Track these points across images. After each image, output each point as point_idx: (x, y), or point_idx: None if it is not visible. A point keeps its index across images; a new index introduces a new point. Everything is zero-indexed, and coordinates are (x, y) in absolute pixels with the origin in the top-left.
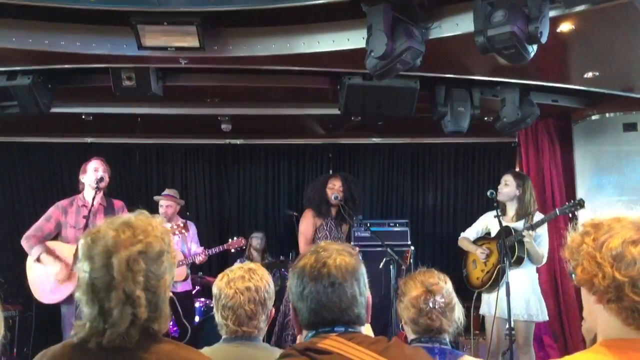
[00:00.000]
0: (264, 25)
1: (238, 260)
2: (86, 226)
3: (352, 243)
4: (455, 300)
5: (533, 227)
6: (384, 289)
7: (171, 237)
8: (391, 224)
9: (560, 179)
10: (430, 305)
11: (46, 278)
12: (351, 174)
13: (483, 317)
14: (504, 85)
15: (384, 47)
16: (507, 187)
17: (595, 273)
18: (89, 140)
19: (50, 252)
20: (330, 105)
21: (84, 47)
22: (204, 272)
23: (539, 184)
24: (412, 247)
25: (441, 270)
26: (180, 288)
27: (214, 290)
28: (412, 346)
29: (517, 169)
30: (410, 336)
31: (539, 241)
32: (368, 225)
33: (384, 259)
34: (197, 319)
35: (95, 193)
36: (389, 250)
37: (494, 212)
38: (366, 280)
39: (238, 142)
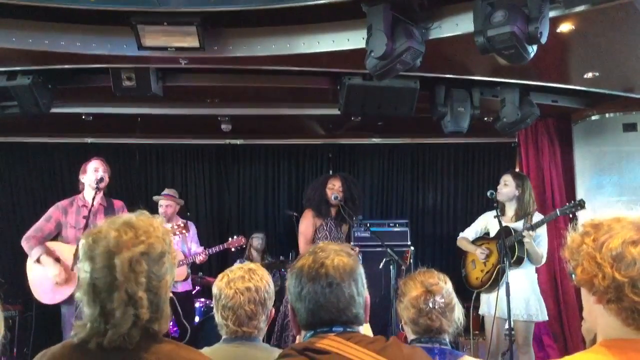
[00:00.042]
0: (264, 26)
1: (238, 261)
2: (86, 226)
3: (352, 243)
4: (455, 300)
5: (533, 228)
6: (383, 289)
7: (171, 237)
8: (391, 224)
9: (560, 179)
10: (430, 305)
11: (46, 278)
12: (351, 174)
13: (482, 317)
14: (503, 86)
15: (384, 47)
16: (507, 187)
17: (595, 273)
18: (89, 140)
19: (51, 253)
20: (330, 105)
21: (84, 47)
22: (204, 272)
23: (538, 184)
24: (412, 248)
25: (441, 270)
26: (180, 288)
27: (214, 290)
28: (410, 345)
29: (517, 169)
30: (410, 336)
31: (538, 241)
32: (368, 225)
33: (384, 259)
34: (197, 319)
35: (95, 193)
36: (388, 250)
37: (492, 212)
38: (364, 281)
39: (238, 142)
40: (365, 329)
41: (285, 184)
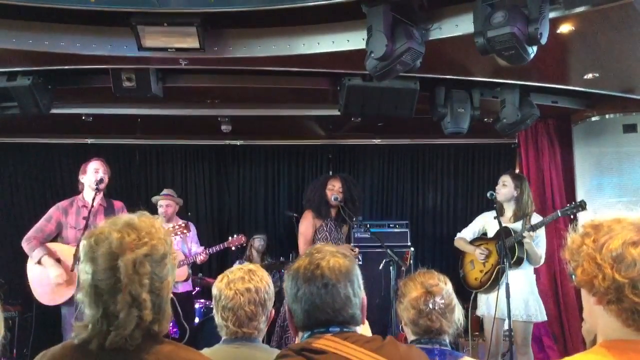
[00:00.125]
0: (264, 27)
1: (237, 262)
2: (86, 227)
3: (352, 244)
4: (455, 301)
5: (534, 228)
6: (383, 290)
7: (172, 238)
8: (391, 225)
9: (560, 180)
10: (430, 306)
11: (47, 279)
12: (351, 175)
13: (482, 318)
14: (503, 87)
15: (384, 48)
16: (505, 187)
17: (595, 274)
18: (89, 141)
19: (52, 254)
20: (330, 106)
21: (84, 48)
22: (204, 273)
23: (539, 185)
24: (412, 248)
25: (441, 271)
26: (181, 288)
27: (214, 291)
28: (407, 344)
29: (517, 170)
30: (410, 337)
31: (537, 242)
32: (368, 226)
33: (384, 260)
34: (196, 320)
35: (95, 194)
36: (388, 251)
37: (490, 213)
38: (361, 282)
39: (238, 142)
40: (365, 329)
41: (285, 185)
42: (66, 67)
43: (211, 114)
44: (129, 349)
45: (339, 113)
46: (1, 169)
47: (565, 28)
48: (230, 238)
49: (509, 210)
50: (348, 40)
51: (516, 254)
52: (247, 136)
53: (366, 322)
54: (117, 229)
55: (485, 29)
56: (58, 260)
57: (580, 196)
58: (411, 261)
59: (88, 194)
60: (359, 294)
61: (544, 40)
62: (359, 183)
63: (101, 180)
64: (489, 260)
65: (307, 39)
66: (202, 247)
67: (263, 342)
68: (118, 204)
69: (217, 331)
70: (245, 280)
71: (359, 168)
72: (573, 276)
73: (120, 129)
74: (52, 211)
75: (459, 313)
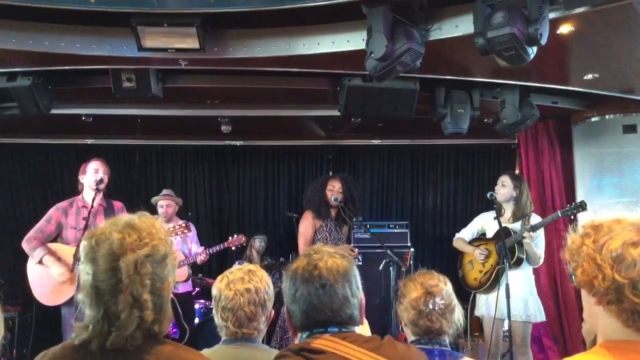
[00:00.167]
0: (264, 27)
1: (237, 262)
2: (86, 227)
3: (352, 245)
4: (455, 301)
5: (534, 229)
6: (383, 291)
7: (172, 238)
8: (391, 226)
9: (560, 181)
10: (430, 307)
11: (47, 280)
12: (351, 176)
13: (482, 318)
14: (503, 87)
15: (384, 48)
16: (504, 188)
17: (595, 275)
18: (89, 141)
19: (53, 253)
20: (330, 106)
21: (84, 49)
22: (204, 273)
23: (539, 186)
24: (412, 249)
25: (441, 271)
26: (181, 289)
27: (214, 292)
28: (405, 344)
29: (517, 171)
30: (410, 338)
31: (536, 242)
32: (368, 226)
33: (384, 261)
34: (196, 320)
35: (95, 194)
36: (388, 251)
37: (488, 213)
38: (359, 282)
39: (238, 143)
40: (364, 329)
41: (285, 185)
42: (66, 67)
43: (211, 114)
44: (129, 350)
45: (339, 113)
46: (1, 169)
47: (565, 28)
48: (230, 238)
49: (508, 210)
50: (348, 41)
51: (516, 255)
52: (247, 136)
53: (366, 322)
54: (118, 229)
55: (485, 30)
56: (60, 260)
57: (580, 197)
58: (411, 262)
59: (88, 194)
60: (357, 295)
61: (543, 41)
62: (358, 183)
63: (101, 181)
64: (488, 260)
65: (307, 39)
66: (203, 247)
67: (263, 342)
68: (118, 204)
69: (217, 332)
70: (245, 280)
71: (359, 168)
72: (573, 277)
73: (120, 130)
74: (51, 212)
75: (459, 313)
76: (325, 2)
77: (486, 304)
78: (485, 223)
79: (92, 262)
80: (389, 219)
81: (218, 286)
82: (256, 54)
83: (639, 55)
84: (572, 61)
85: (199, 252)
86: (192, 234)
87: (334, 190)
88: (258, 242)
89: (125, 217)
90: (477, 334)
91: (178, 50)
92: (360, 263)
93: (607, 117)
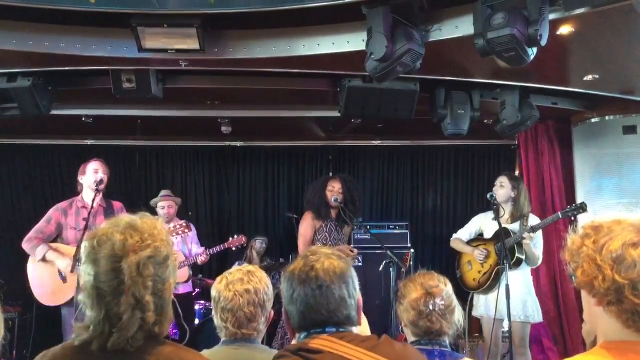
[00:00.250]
0: (264, 28)
1: (237, 263)
2: (86, 227)
3: (351, 245)
4: (455, 302)
5: (534, 229)
6: (383, 292)
7: (173, 239)
8: (391, 226)
9: (560, 182)
10: (430, 307)
11: (48, 280)
12: (351, 176)
13: (480, 319)
14: (503, 88)
15: (384, 49)
16: (503, 188)
17: (595, 275)
18: (88, 142)
19: (54, 249)
20: (330, 107)
21: (84, 49)
22: (204, 274)
23: (538, 187)
24: (412, 250)
25: (441, 272)
26: (181, 289)
27: (213, 292)
28: (402, 343)
29: (517, 172)
30: (410, 338)
31: (534, 243)
32: (368, 227)
33: (384, 262)
34: (196, 321)
35: (95, 195)
36: (388, 252)
37: (486, 214)
38: (356, 283)
39: (238, 144)
40: (363, 329)
41: (285, 186)
42: (66, 68)
43: (211, 115)
44: (130, 350)
45: (339, 114)
46: (1, 169)
47: (565, 29)
48: (230, 238)
49: (506, 211)
50: (348, 42)
51: (515, 255)
52: (247, 137)
53: (365, 321)
54: (120, 230)
55: (485, 31)
56: (63, 254)
57: (580, 197)
58: (411, 262)
59: (87, 194)
60: (354, 295)
61: (543, 42)
62: (358, 184)
63: (101, 181)
64: (487, 261)
65: (307, 40)
66: (203, 248)
67: (263, 343)
68: (117, 204)
69: (216, 332)
70: (244, 281)
71: (359, 169)
72: (573, 277)
73: (120, 130)
74: (51, 212)
75: (458, 314)
76: (325, 3)
77: (485, 305)
78: (482, 223)
79: (94, 263)
80: (389, 220)
81: (217, 287)
82: (256, 54)
83: (639, 56)
84: (572, 62)
85: (199, 253)
86: (192, 234)
87: (334, 190)
88: (259, 243)
89: (126, 217)
90: (476, 334)
91: (178, 51)
92: (360, 264)
93: (607, 118)
